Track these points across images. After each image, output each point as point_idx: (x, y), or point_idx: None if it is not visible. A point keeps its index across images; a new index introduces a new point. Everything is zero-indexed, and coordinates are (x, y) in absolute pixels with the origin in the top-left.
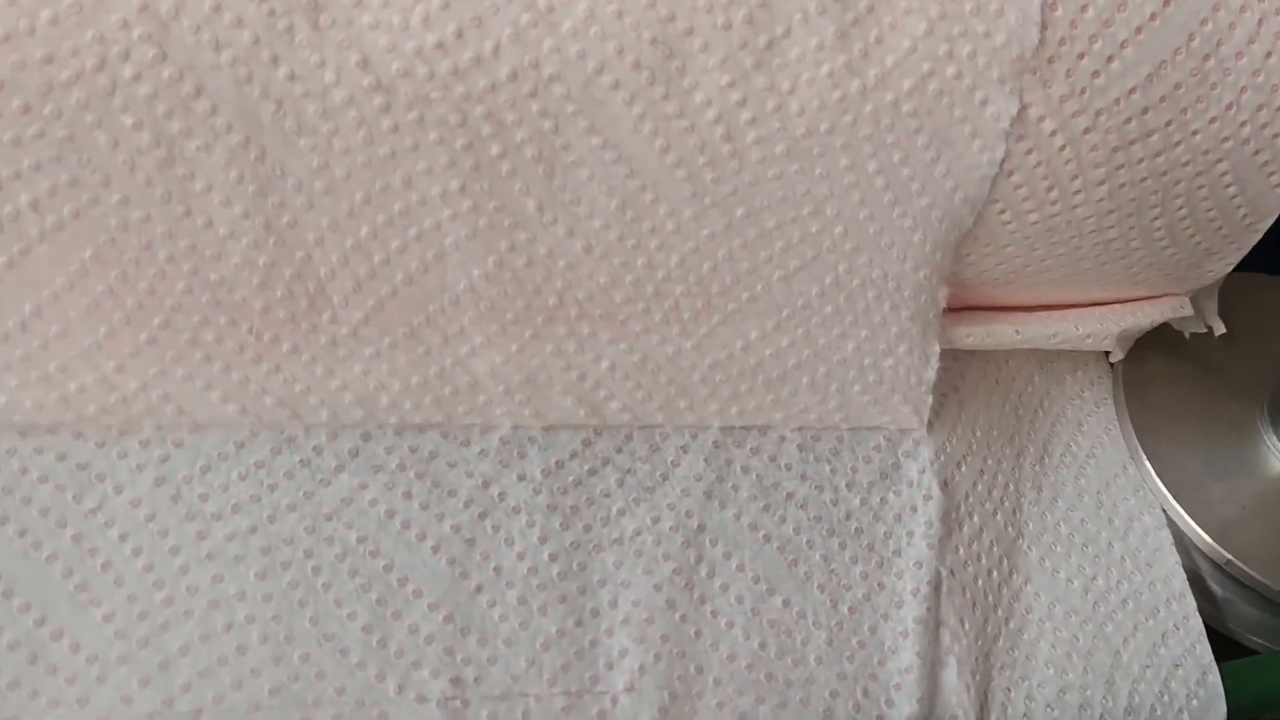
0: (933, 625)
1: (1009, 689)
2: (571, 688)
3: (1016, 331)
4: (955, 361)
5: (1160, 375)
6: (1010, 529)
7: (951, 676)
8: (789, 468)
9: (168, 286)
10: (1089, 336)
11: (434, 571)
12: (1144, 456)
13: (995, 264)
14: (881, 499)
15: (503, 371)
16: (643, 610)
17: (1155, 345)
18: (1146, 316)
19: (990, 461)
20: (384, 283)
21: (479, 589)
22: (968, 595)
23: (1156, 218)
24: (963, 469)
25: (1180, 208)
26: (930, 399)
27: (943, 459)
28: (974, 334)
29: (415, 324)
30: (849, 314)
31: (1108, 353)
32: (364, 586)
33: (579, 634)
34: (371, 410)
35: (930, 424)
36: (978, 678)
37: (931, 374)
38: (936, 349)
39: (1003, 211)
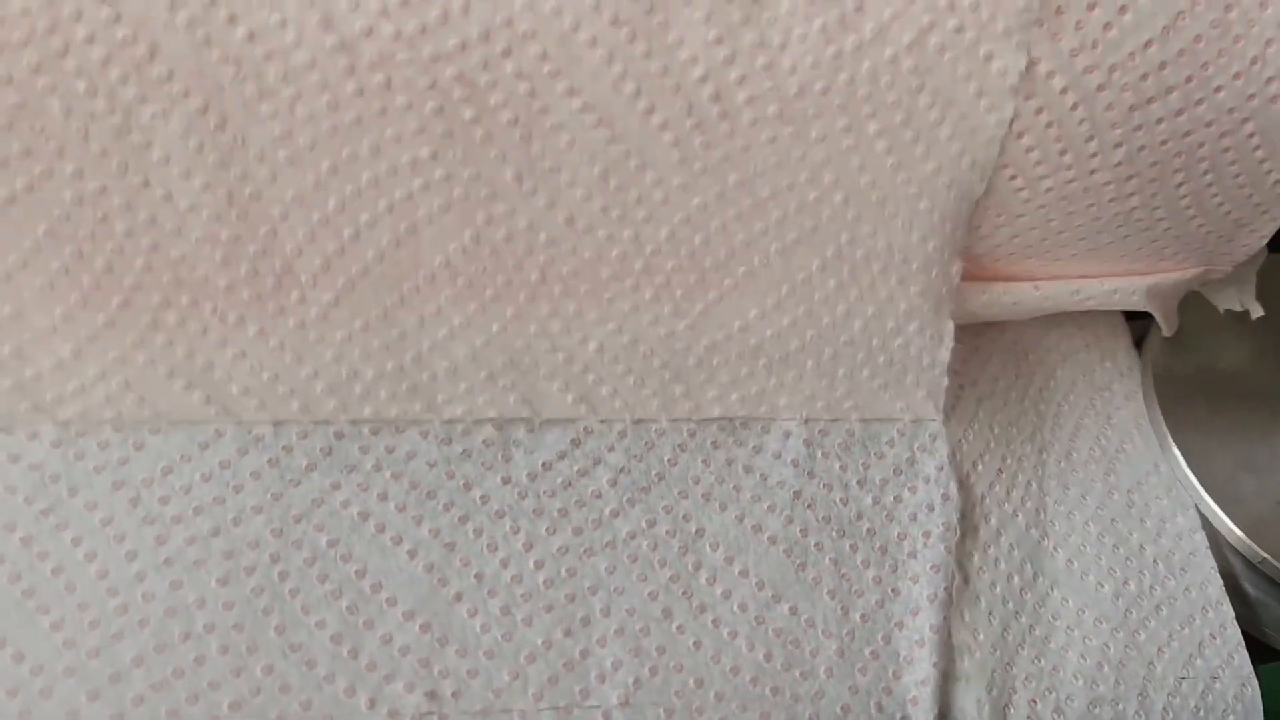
0: (947, 635)
1: (1034, 701)
2: (560, 702)
3: (1036, 288)
4: (972, 354)
5: (1191, 366)
6: (1034, 530)
7: (963, 693)
8: (795, 464)
9: (126, 264)
10: (1116, 292)
11: (410, 578)
12: (1175, 450)
13: (1010, 236)
14: (896, 497)
15: (484, 355)
16: (637, 620)
17: (1185, 335)
18: (1180, 272)
19: (1010, 460)
20: (354, 260)
21: (459, 597)
22: (983, 603)
23: (1181, 184)
24: (979, 467)
25: (1206, 173)
26: (945, 381)
27: (959, 456)
28: (990, 293)
29: (389, 304)
30: (853, 289)
31: (1138, 344)
32: (334, 593)
33: (568, 644)
34: (345, 400)
35: (947, 417)
36: (993, 693)
37: (945, 354)
38: (950, 326)
39: (1014, 177)
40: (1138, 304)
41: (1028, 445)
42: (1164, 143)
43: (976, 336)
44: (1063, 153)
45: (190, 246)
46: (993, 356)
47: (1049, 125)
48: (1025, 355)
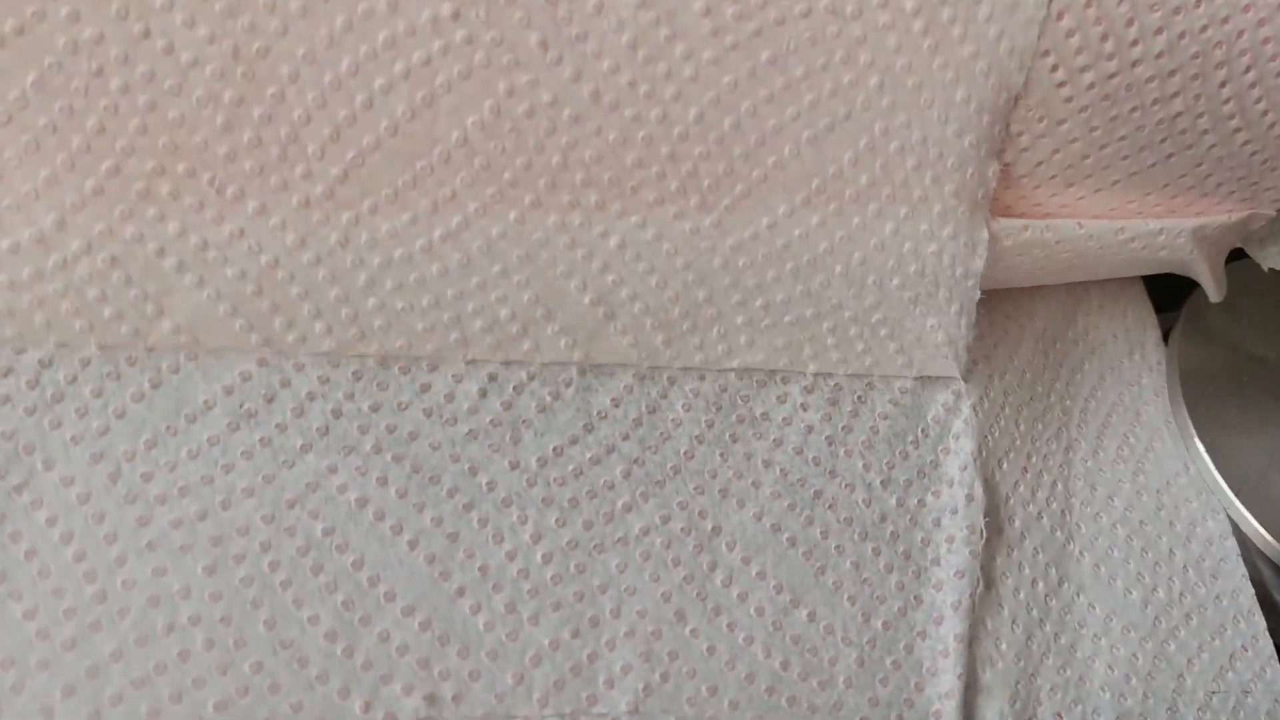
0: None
1: (1060, 715)
2: (565, 709)
3: (1080, 225)
4: (1003, 338)
5: (1219, 362)
6: (1059, 533)
7: (984, 705)
8: (817, 463)
9: (120, 124)
10: (1161, 232)
11: (410, 570)
12: (1201, 449)
13: (1051, 150)
14: (919, 500)
15: (498, 247)
16: (649, 622)
17: (1213, 329)
18: (1225, 215)
19: (1035, 458)
20: (366, 130)
21: (461, 592)
22: (1006, 610)
23: (1224, 83)
24: (1005, 465)
25: (1248, 69)
26: (978, 295)
27: (985, 454)
28: (1033, 229)
29: (400, 184)
30: (886, 186)
31: (1166, 336)
32: (329, 586)
33: (575, 646)
34: (348, 290)
35: (975, 412)
36: (1017, 705)
37: (979, 264)
38: (985, 235)
39: (1055, 68)
40: (1184, 248)
41: (1054, 443)
42: (1204, 29)
43: (1006, 320)
44: (1104, 38)
45: (190, 107)
46: (1022, 344)
47: (1088, 4)
48: (1053, 343)
